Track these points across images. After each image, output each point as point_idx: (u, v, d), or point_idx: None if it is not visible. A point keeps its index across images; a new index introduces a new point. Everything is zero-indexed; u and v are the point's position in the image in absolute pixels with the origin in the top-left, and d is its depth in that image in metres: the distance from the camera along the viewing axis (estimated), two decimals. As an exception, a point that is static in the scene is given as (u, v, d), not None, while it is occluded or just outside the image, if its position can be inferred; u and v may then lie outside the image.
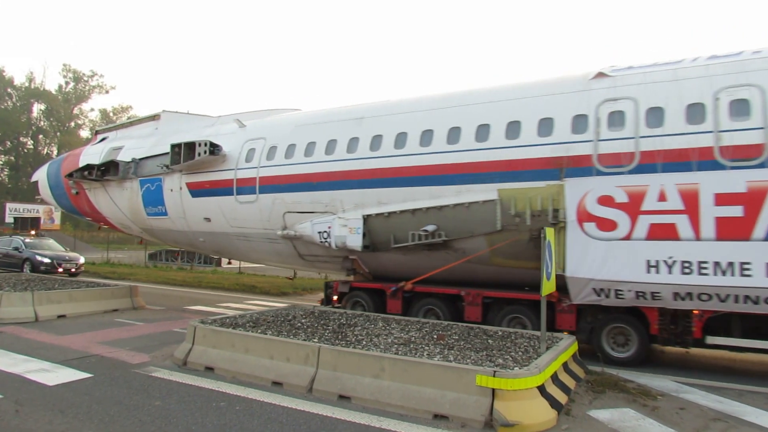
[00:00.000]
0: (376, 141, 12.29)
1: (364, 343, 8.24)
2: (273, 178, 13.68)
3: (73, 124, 78.83)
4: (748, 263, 8.41)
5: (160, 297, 18.67)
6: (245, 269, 30.65)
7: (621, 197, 9.43)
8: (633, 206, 9.32)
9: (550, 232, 8.25)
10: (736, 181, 8.61)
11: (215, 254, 17.33)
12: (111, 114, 79.98)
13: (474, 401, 6.34)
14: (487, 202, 10.76)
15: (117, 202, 17.64)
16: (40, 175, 20.99)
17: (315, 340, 8.24)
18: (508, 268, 11.30)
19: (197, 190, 15.26)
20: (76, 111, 78.38)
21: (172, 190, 15.86)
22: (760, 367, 10.31)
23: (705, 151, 9.00)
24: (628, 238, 9.32)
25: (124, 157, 17.41)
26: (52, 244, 25.10)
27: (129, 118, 19.08)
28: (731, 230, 8.55)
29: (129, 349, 10.08)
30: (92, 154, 18.77)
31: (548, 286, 8.01)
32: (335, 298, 13.03)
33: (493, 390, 6.30)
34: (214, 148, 14.54)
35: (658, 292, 9.15)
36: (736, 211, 8.54)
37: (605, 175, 9.69)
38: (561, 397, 7.06)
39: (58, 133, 75.76)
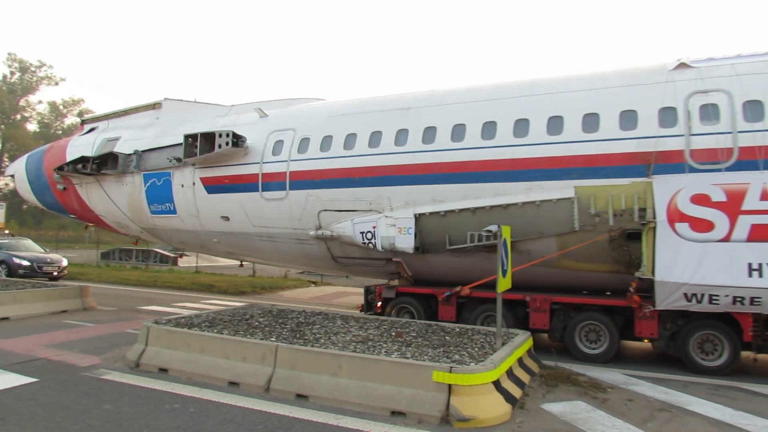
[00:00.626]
0: (430, 133, 11.31)
1: (323, 341, 8.25)
2: (306, 172, 12.51)
3: (19, 116, 73.93)
4: None
5: (112, 297, 17.85)
6: (203, 268, 30.05)
7: (718, 196, 8.81)
8: (732, 206, 8.71)
9: (506, 231, 8.37)
10: None
11: (230, 256, 15.99)
12: (61, 107, 75.77)
13: (431, 397, 6.44)
14: (562, 200, 9.97)
15: (114, 198, 16.03)
16: (17, 168, 19.04)
17: (272, 339, 8.19)
18: (575, 271, 10.57)
19: (214, 186, 13.89)
20: (22, 103, 73.53)
21: (183, 186, 14.42)
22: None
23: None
24: (726, 239, 8.71)
25: (122, 148, 15.83)
26: (29, 245, 22.92)
27: (127, 108, 17.15)
28: None
29: (78, 352, 9.60)
30: (82, 146, 17.05)
31: (504, 283, 8.24)
32: (378, 304, 11.98)
33: (450, 386, 6.40)
34: (237, 140, 13.22)
35: (758, 297, 8.55)
36: None
37: (699, 172, 9.05)
38: (516, 392, 7.24)
39: (2, 126, 70.95)
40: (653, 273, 9.07)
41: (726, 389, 8.37)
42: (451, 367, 6.51)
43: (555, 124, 10.22)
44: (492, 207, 10.52)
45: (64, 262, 22.01)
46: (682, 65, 9.89)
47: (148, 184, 15.13)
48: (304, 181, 12.52)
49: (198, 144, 13.54)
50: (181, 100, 16.53)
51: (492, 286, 10.76)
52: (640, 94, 9.83)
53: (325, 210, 12.29)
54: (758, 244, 8.50)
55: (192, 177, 14.24)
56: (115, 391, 7.39)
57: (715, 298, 8.83)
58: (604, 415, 6.83)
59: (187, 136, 13.85)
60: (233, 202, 13.58)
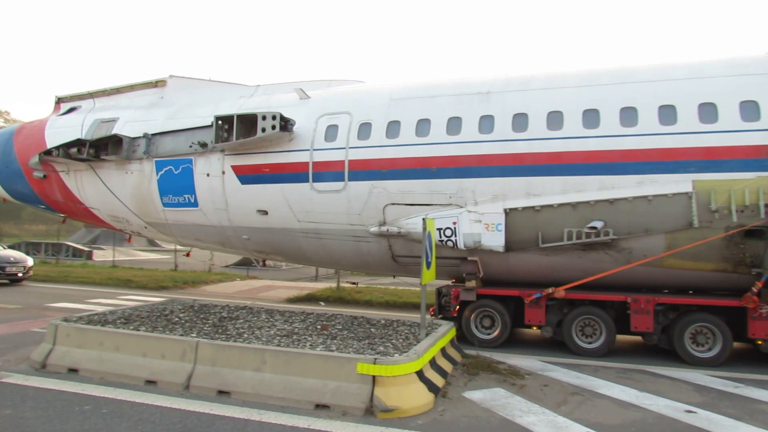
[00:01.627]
0: (520, 120, 10.34)
1: (246, 336, 8.20)
2: (370, 162, 11.17)
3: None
4: None
5: (16, 294, 16.76)
6: (120, 262, 28.64)
7: None
8: None
9: (430, 223, 8.50)
10: None
11: (260, 255, 14.26)
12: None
13: (355, 389, 6.52)
14: (679, 195, 9.33)
15: (114, 188, 13.88)
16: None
17: (193, 335, 8.05)
18: (676, 270, 9.99)
19: (250, 176, 12.21)
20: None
21: (208, 175, 12.61)
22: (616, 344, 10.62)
23: None
24: None
25: (123, 131, 13.71)
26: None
27: (119, 86, 14.88)
28: None
29: (-25, 354, 8.92)
30: (66, 127, 14.70)
31: (428, 275, 8.37)
32: (456, 308, 10.89)
33: (374, 377, 6.51)
34: (286, 123, 11.63)
35: None
36: None
37: (831, 166, 8.68)
38: (438, 381, 7.45)
39: None
40: (778, 272, 8.62)
41: (632, 372, 8.94)
42: (376, 359, 6.61)
43: (667, 113, 9.55)
44: (597, 201, 9.72)
45: (30, 262, 19.16)
46: (793, 56, 9.51)
47: (161, 173, 13.15)
48: (368, 171, 11.18)
49: (234, 127, 11.82)
50: (190, 78, 14.58)
51: (590, 287, 10.12)
52: (758, 84, 9.34)
53: (393, 204, 11.03)
54: None
55: (221, 165, 12.47)
56: (17, 394, 6.94)
57: None
58: (522, 400, 7.20)
59: (219, 118, 12.09)
60: (274, 193, 11.98)
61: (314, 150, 11.62)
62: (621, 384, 8.13)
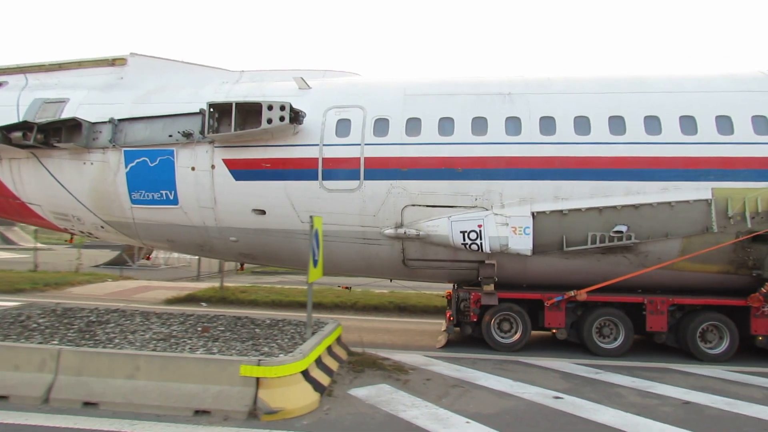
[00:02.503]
0: (547, 123, 10.30)
1: (117, 341, 7.80)
2: (389, 160, 10.54)
3: None
4: None
5: None
6: None
7: None
8: None
9: (317, 221, 8.57)
10: None
11: (244, 258, 12.82)
12: None
13: (237, 392, 6.40)
14: (699, 201, 9.82)
15: (66, 181, 11.89)
16: None
17: (55, 343, 7.52)
18: (685, 272, 10.53)
19: (246, 171, 11.01)
20: None
21: (194, 169, 11.18)
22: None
23: None
24: None
25: (74, 114, 11.78)
26: None
27: (63, 61, 12.68)
28: None
29: None
30: (-5, 107, 12.33)
31: (315, 273, 8.43)
32: (475, 313, 10.62)
33: (258, 379, 6.42)
34: (296, 114, 10.59)
35: None
36: None
37: (833, 178, 9.59)
38: (324, 380, 7.50)
39: None
40: (792, 274, 9.39)
41: (508, 363, 9.55)
42: (260, 360, 6.53)
43: (687, 124, 10.02)
44: (623, 207, 9.96)
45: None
46: (790, 76, 10.41)
47: (131, 165, 11.44)
48: (386, 170, 10.55)
49: (233, 116, 10.57)
50: (156, 58, 12.87)
51: (610, 290, 10.36)
52: (764, 101, 10.10)
53: (414, 205, 10.51)
54: None
55: (210, 158, 11.12)
56: None
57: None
58: (406, 395, 7.40)
59: (212, 105, 10.75)
60: (275, 191, 10.91)
61: (324, 145, 10.74)
62: (497, 375, 8.64)
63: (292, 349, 7.38)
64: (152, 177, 11.39)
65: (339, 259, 11.53)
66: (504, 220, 10.21)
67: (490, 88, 10.94)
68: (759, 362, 10.01)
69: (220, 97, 11.52)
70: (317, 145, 10.78)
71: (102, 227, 12.45)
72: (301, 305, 15.25)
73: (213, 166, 11.10)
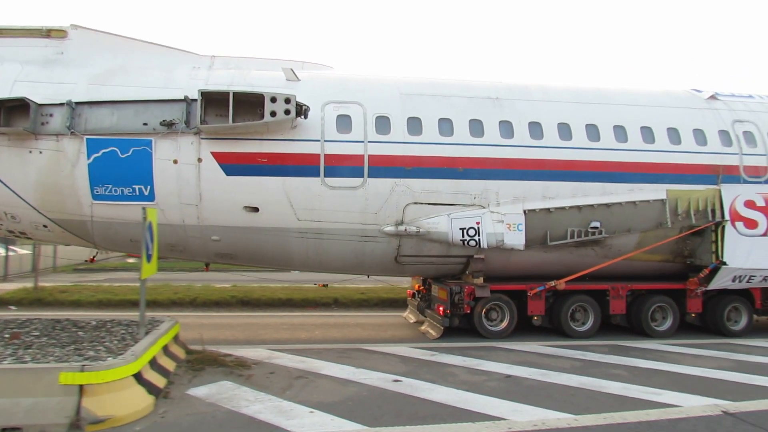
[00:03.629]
0: (535, 128, 11.16)
1: None
2: (393, 158, 10.59)
3: None
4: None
5: None
6: None
7: (760, 202, 11.71)
8: (766, 209, 11.72)
9: (151, 213, 8.22)
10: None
11: (221, 259, 11.58)
12: None
13: (57, 403, 5.76)
14: (656, 201, 11.44)
15: (4, 175, 9.99)
16: None
17: None
18: (635, 261, 12.18)
19: (239, 166, 10.25)
20: None
21: (176, 162, 10.12)
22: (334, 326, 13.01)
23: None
24: (765, 234, 11.68)
25: (9, 93, 9.99)
26: None
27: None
28: (829, 228, 11.86)
29: None
30: None
31: (148, 269, 8.01)
32: (467, 305, 11.16)
33: (81, 386, 5.86)
34: (301, 108, 10.08)
35: (764, 275, 11.79)
36: (830, 214, 11.90)
37: (749, 183, 11.79)
38: (160, 381, 7.10)
39: None
40: (724, 261, 11.43)
41: (351, 351, 9.98)
42: (84, 365, 5.99)
43: (647, 134, 11.58)
44: (598, 205, 11.22)
45: None
46: (713, 98, 12.54)
47: (95, 156, 9.99)
48: (390, 167, 10.60)
49: (230, 106, 9.78)
50: (105, 33, 11.28)
51: (581, 278, 11.62)
52: (700, 116, 12.05)
53: (416, 203, 10.71)
54: (785, 238, 11.72)
55: (196, 150, 10.16)
56: None
57: (752, 278, 11.75)
58: (248, 390, 7.32)
59: (204, 93, 9.85)
60: (272, 188, 10.34)
61: (326, 141, 10.44)
62: (341, 363, 8.91)
63: (123, 351, 6.86)
64: (123, 170, 10.09)
65: (331, 258, 11.31)
66: (500, 218, 10.90)
67: (480, 92, 11.52)
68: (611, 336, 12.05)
69: (199, 84, 10.55)
70: (318, 140, 10.45)
71: (44, 227, 10.68)
72: (133, 304, 14.17)
73: (200, 160, 10.17)
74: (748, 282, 11.80)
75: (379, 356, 9.57)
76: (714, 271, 11.55)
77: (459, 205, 10.86)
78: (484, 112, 11.16)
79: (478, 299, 11.30)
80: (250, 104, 10.11)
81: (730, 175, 11.76)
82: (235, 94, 9.89)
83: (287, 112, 9.91)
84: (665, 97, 12.46)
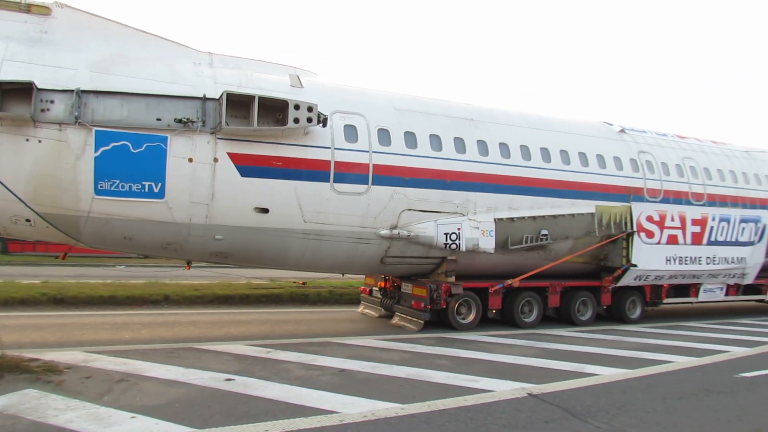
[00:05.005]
0: (504, 149, 12.95)
1: None
2: (393, 168, 11.59)
3: None
4: (700, 257, 15.55)
5: None
6: None
7: (656, 217, 14.88)
8: (660, 223, 14.94)
9: None
10: (697, 211, 15.58)
11: (216, 258, 11.12)
12: None
13: None
14: (588, 213, 13.95)
15: (-7, 161, 9.05)
16: None
17: None
18: (568, 263, 14.60)
19: (254, 168, 10.44)
20: None
21: (191, 161, 10.00)
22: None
23: (686, 194, 15.58)
24: (658, 243, 14.88)
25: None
26: None
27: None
28: (696, 239, 15.46)
29: None
30: None
31: None
32: (443, 300, 12.55)
33: None
34: (320, 117, 10.56)
35: (663, 275, 15.12)
36: (697, 228, 15.52)
37: (651, 202, 14.87)
38: None
39: None
40: (632, 263, 14.35)
41: (180, 351, 9.54)
42: None
43: (582, 157, 14.04)
44: (548, 216, 13.39)
45: None
46: (622, 131, 15.53)
47: (103, 149, 9.49)
48: (391, 177, 11.59)
49: (255, 110, 9.99)
50: (94, 15, 10.58)
51: (530, 277, 13.76)
52: (617, 146, 14.88)
53: (410, 209, 11.84)
54: (671, 246, 15.02)
55: (212, 150, 10.16)
56: None
57: (648, 277, 14.92)
58: (59, 398, 6.62)
59: (231, 95, 9.94)
60: (284, 191, 10.72)
61: (336, 149, 11.10)
62: (168, 364, 8.47)
63: None
64: (133, 166, 9.73)
65: (324, 258, 11.94)
66: (476, 225, 12.50)
67: (458, 112, 13.00)
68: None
69: (208, 82, 10.55)
70: (329, 147, 11.06)
71: (27, 221, 9.79)
72: None
73: (216, 159, 10.19)
74: (644, 280, 14.93)
75: (212, 355, 9.28)
76: (624, 272, 14.44)
77: (444, 212, 12.23)
78: (464, 131, 12.67)
79: (453, 295, 12.79)
80: (266, 108, 10.39)
81: (637, 195, 14.76)
82: (260, 98, 10.12)
83: (309, 120, 10.41)
84: (591, 128, 15.15)
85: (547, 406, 7.15)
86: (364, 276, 15.50)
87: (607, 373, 9.10)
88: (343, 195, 11.20)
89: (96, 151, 9.49)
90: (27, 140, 9.18)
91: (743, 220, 16.15)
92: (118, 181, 9.70)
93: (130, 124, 9.69)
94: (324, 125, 10.78)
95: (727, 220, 15.89)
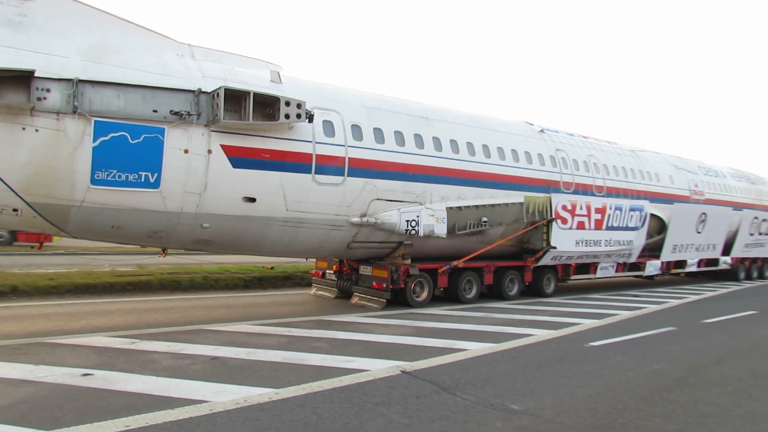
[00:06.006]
0: (454, 145, 14.55)
1: None
2: (365, 161, 12.69)
3: None
4: (600, 240, 18.46)
5: None
6: None
7: (569, 206, 17.44)
8: (572, 211, 17.54)
9: None
10: (599, 201, 18.43)
11: (199, 245, 11.13)
12: None
13: None
14: (519, 203, 16.07)
15: (-13, 149, 8.82)
16: None
17: None
18: (499, 246, 16.69)
19: (245, 159, 11.00)
20: None
21: (187, 152, 10.36)
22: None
23: (590, 187, 18.34)
24: (570, 228, 17.48)
25: None
26: None
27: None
28: (598, 225, 18.32)
29: None
30: None
31: None
32: (402, 281, 13.93)
33: None
34: (309, 114, 11.30)
35: (573, 256, 17.81)
36: (599, 216, 18.38)
37: (564, 193, 17.37)
38: None
39: None
40: (552, 246, 16.78)
41: (30, 346, 8.73)
42: None
43: (514, 154, 16.09)
44: (488, 205, 15.28)
45: None
46: (542, 131, 17.87)
47: (101, 140, 9.58)
48: (363, 169, 12.68)
49: (250, 105, 10.56)
50: (74, 1, 10.42)
51: (470, 259, 15.68)
52: (540, 144, 17.15)
53: (378, 199, 13.03)
54: (579, 230, 17.68)
55: (206, 142, 10.58)
56: None
57: (561, 257, 17.50)
58: None
59: (230, 91, 10.42)
60: (271, 181, 11.40)
61: (317, 143, 11.96)
62: (13, 362, 7.76)
63: None
64: (131, 156, 9.92)
65: (299, 244, 12.79)
66: (432, 213, 14.02)
67: (414, 110, 14.35)
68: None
69: (195, 74, 10.93)
70: (311, 141, 11.90)
71: (14, 210, 9.58)
72: None
73: (210, 151, 10.64)
74: (558, 260, 17.49)
75: (67, 349, 8.62)
76: (544, 253, 16.83)
77: (406, 201, 13.59)
78: (421, 128, 14.08)
79: (410, 276, 14.24)
80: (257, 103, 10.97)
81: (555, 187, 17.19)
82: (255, 94, 10.70)
83: (298, 116, 11.19)
84: (519, 127, 17.29)
85: (420, 382, 7.37)
86: (314, 260, 16.48)
87: (476, 348, 9.55)
88: (322, 186, 12.12)
89: (94, 141, 9.56)
90: (24, 129, 9.05)
91: (631, 209, 19.35)
92: (115, 171, 9.84)
93: (128, 115, 9.84)
94: (310, 121, 11.60)
95: (620, 209, 18.96)
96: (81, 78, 9.49)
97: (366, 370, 7.81)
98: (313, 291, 16.49)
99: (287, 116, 11.06)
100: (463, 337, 10.40)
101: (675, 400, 7.11)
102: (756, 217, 25.67)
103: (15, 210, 9.62)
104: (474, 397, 6.88)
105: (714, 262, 23.92)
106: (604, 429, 6.05)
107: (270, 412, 6.08)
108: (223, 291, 16.84)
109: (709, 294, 20.04)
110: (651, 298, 17.90)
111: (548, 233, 16.83)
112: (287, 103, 11.07)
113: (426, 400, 6.68)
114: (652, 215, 20.13)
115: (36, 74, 9.07)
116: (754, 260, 26.56)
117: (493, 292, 16.53)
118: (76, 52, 9.76)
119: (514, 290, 16.83)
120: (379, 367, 7.99)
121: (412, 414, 6.23)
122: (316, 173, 11.98)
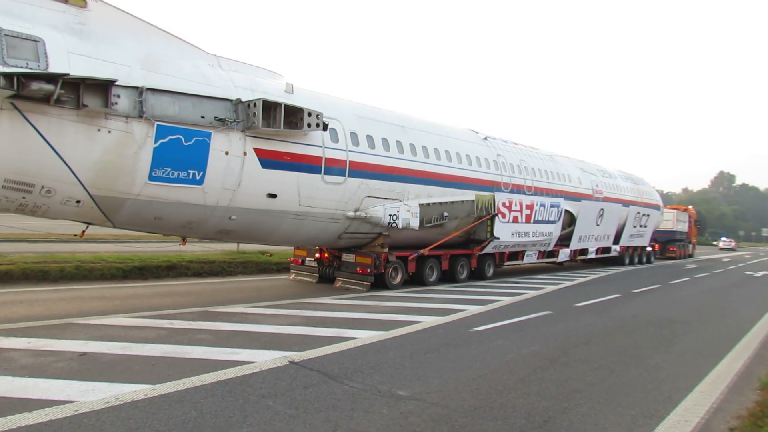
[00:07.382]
0: (425, 151, 17.06)
1: None
2: (361, 164, 14.78)
3: None
4: (529, 232, 21.95)
5: None
6: None
7: (507, 203, 20.69)
8: (509, 207, 20.81)
9: None
10: (529, 199, 21.90)
11: (220, 235, 12.23)
12: None
13: None
14: (471, 200, 18.97)
15: (63, 147, 9.88)
16: None
17: None
18: (453, 237, 19.46)
19: (272, 161, 12.67)
20: None
21: (227, 153, 11.86)
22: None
23: (522, 186, 21.74)
24: (508, 222, 20.75)
25: (60, 64, 10.04)
26: None
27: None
28: (527, 219, 21.79)
29: None
30: None
31: None
32: (384, 267, 16.21)
33: None
34: (325, 124, 13.16)
35: (509, 245, 21.12)
36: (528, 211, 21.85)
37: (504, 192, 20.57)
38: None
39: None
40: (492, 237, 19.91)
41: None
42: None
43: (467, 159, 18.94)
44: (449, 202, 18.00)
45: None
46: (485, 138, 20.93)
47: (161, 141, 10.88)
48: (360, 171, 14.77)
49: (281, 115, 12.29)
50: (123, 12, 11.47)
51: (436, 247, 18.41)
52: (485, 150, 20.17)
53: (369, 196, 15.19)
54: (514, 224, 21.00)
55: (242, 145, 12.14)
56: None
57: (501, 246, 20.74)
58: None
59: (268, 103, 12.12)
60: (289, 180, 13.17)
61: (326, 147, 13.88)
62: None
63: None
64: (183, 156, 11.28)
65: (301, 234, 14.64)
66: (408, 208, 16.45)
67: (392, 119, 16.64)
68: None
69: (227, 84, 12.42)
70: (321, 146, 13.79)
71: (77, 202, 10.60)
72: None
73: (245, 153, 12.21)
74: (498, 249, 20.72)
75: None
76: (488, 243, 19.95)
77: (389, 199, 15.89)
78: (400, 136, 16.42)
79: (389, 263, 16.58)
80: (274, 109, 12.68)
81: (497, 187, 20.34)
82: (286, 106, 12.43)
83: (318, 125, 13.08)
84: (468, 135, 20.19)
85: (307, 372, 7.23)
86: (293, 248, 18.25)
87: (365, 336, 9.50)
88: (329, 184, 14.07)
89: (155, 142, 10.84)
90: (99, 130, 10.15)
91: (551, 205, 23.12)
92: (169, 169, 11.17)
93: (182, 120, 11.19)
94: (325, 129, 13.50)
95: (544, 205, 22.64)
96: (147, 86, 10.72)
97: (252, 362, 7.54)
98: (291, 277, 18.25)
99: (309, 125, 12.91)
100: (353, 326, 10.41)
101: (549, 378, 7.52)
102: (638, 212, 31.04)
103: (78, 201, 10.64)
104: (362, 384, 6.86)
105: (607, 250, 28.81)
106: (485, 409, 6.23)
107: (145, 410, 5.69)
108: (98, 281, 15.54)
109: (581, 280, 22.23)
110: (530, 285, 19.31)
111: (491, 226, 19.93)
112: (309, 114, 12.92)
113: (313, 390, 6.56)
114: (566, 211, 24.11)
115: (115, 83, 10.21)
116: (635, 248, 32.07)
117: (447, 276, 19.33)
118: (135, 61, 10.93)
119: (464, 274, 19.76)
120: (266, 359, 7.73)
121: (299, 404, 6.08)
122: (324, 174, 13.91)
